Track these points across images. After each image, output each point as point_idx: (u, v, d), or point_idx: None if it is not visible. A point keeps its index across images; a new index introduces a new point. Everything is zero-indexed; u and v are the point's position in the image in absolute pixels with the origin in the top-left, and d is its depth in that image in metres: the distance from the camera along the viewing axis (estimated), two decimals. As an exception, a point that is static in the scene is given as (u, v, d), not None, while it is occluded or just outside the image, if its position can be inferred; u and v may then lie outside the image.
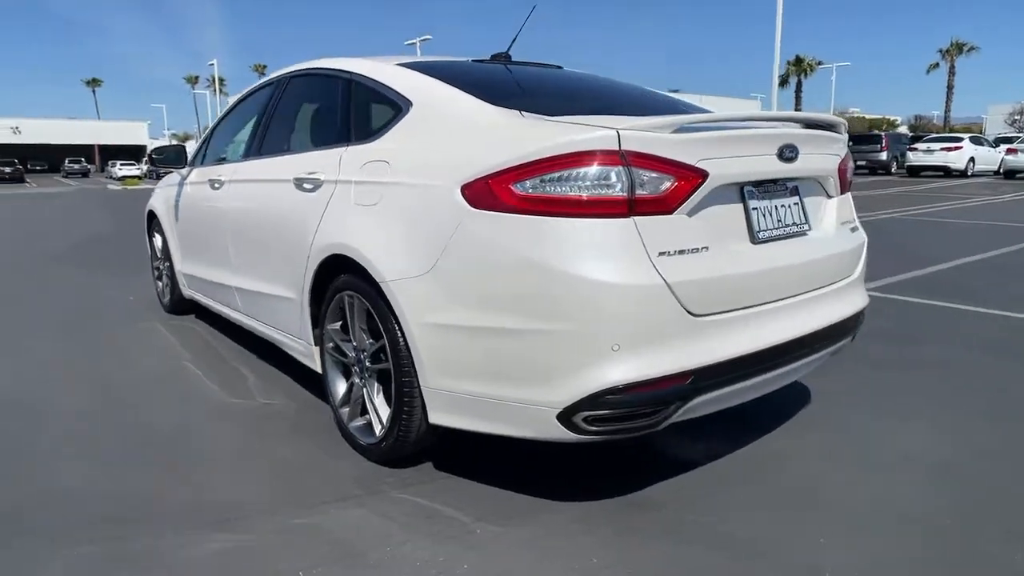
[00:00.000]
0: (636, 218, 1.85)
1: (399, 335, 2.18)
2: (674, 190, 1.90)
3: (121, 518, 2.15)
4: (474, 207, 1.97)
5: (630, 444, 2.56)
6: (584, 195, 1.82)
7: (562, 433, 1.91)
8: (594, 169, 1.82)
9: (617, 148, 1.83)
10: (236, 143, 3.79)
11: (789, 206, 2.28)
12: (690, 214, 1.96)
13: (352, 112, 2.71)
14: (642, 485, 2.30)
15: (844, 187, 2.55)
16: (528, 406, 1.93)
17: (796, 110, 57.95)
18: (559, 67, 3.26)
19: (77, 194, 26.90)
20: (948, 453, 2.51)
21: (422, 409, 2.19)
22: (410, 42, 33.93)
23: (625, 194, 1.83)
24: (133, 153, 56.62)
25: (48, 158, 55.95)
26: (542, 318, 1.86)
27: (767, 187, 2.20)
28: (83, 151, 55.93)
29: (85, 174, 50.23)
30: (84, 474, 2.47)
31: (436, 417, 2.15)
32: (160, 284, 4.95)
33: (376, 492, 2.30)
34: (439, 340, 2.07)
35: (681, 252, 1.91)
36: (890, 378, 3.34)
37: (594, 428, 1.89)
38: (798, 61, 57.26)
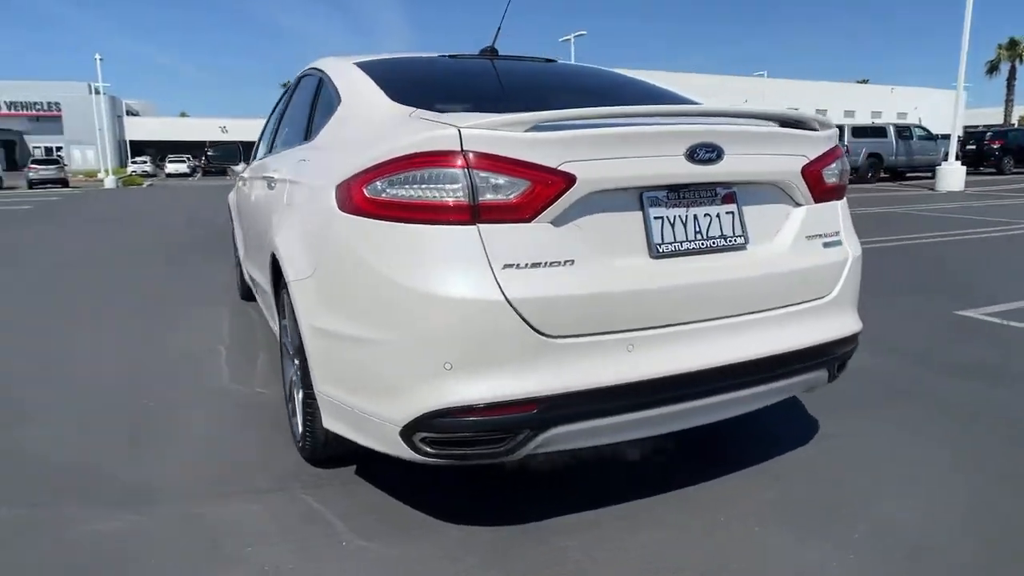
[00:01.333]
0: (481, 226, 1.68)
1: (298, 336, 2.17)
2: (530, 196, 1.70)
3: (53, 486, 2.35)
4: (340, 210, 1.90)
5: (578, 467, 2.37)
6: (425, 200, 1.69)
7: (408, 453, 1.80)
8: (435, 171, 1.68)
9: (459, 148, 1.67)
10: (264, 140, 4.01)
11: (717, 215, 1.96)
12: (557, 223, 1.74)
13: (314, 111, 2.74)
14: (558, 512, 2.11)
15: (822, 194, 2.14)
16: (380, 421, 1.83)
17: (1008, 102, 50.46)
18: (549, 60, 3.07)
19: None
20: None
21: (320, 413, 2.17)
22: (564, 38, 34.00)
23: (467, 199, 1.67)
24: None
25: (249, 153, 63.15)
26: (385, 329, 1.76)
27: (684, 193, 1.90)
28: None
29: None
30: (49, 439, 2.74)
31: (327, 423, 2.12)
32: (237, 272, 5.37)
33: (284, 489, 2.31)
34: (322, 344, 2.03)
35: (536, 265, 1.70)
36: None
37: (434, 451, 1.76)
38: (1012, 45, 49.63)
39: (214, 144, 4.79)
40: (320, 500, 2.24)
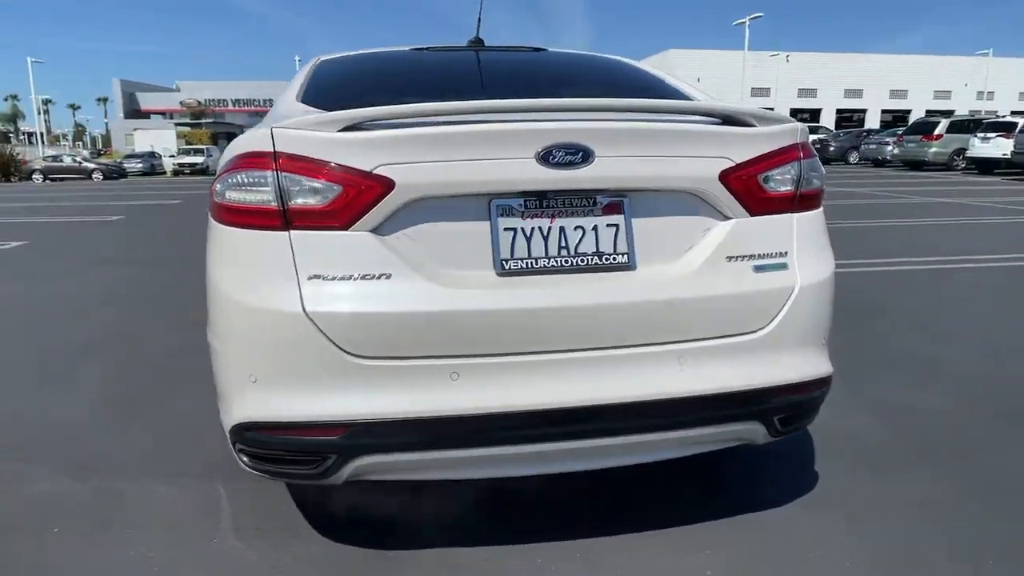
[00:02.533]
0: (293, 232, 1.57)
1: None
2: (344, 202, 1.55)
3: (27, 443, 2.62)
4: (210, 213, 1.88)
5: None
6: (243, 203, 1.60)
7: (243, 464, 1.74)
8: (251, 174, 1.59)
9: (271, 149, 1.57)
10: None
11: (594, 229, 1.66)
12: (381, 232, 1.58)
13: None
14: (442, 544, 1.96)
15: (760, 205, 1.75)
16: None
17: None
18: (537, 49, 2.81)
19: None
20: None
21: None
22: (738, 22, 31.89)
23: (276, 204, 1.56)
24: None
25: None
26: (217, 337, 1.71)
27: (549, 202, 1.64)
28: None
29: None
30: (58, 401, 3.04)
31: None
32: None
33: (206, 477, 2.37)
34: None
35: (346, 278, 1.55)
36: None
37: (252, 464, 1.68)
38: None
39: None
40: (228, 493, 2.26)
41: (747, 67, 40.72)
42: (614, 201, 1.67)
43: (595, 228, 1.66)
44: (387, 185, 1.54)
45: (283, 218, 1.56)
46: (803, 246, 1.80)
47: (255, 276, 1.59)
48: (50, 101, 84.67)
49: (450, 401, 1.56)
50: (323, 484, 1.69)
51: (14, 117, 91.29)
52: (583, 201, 1.65)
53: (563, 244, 1.64)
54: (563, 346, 1.61)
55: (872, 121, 51.33)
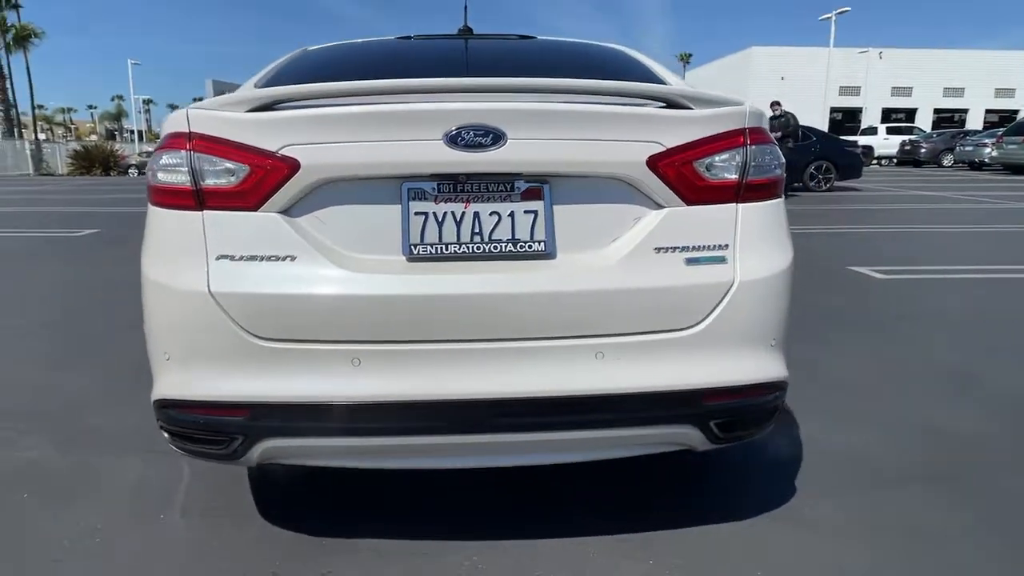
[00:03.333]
0: (207, 212, 1.57)
1: None
2: (252, 182, 1.54)
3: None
4: None
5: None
6: (164, 184, 1.62)
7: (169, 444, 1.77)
8: (169, 155, 1.60)
9: (186, 130, 1.58)
10: None
11: (511, 215, 1.59)
12: (291, 214, 1.56)
13: None
14: (392, 535, 1.94)
15: (698, 194, 1.63)
16: None
17: None
18: (525, 37, 2.73)
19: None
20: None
21: None
22: (824, 17, 30.43)
23: (190, 184, 1.57)
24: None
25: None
26: (145, 314, 1.73)
27: (463, 186, 1.58)
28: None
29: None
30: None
31: None
32: None
33: (180, 456, 2.43)
34: None
35: (253, 259, 1.55)
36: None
37: (171, 441, 1.70)
38: None
39: None
40: (192, 472, 2.31)
41: (835, 65, 38.88)
42: (533, 187, 1.59)
43: (511, 214, 1.59)
44: (293, 166, 1.53)
45: (197, 198, 1.57)
46: (748, 239, 1.66)
47: (169, 255, 1.61)
48: (151, 101, 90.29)
49: (350, 387, 1.53)
50: (237, 465, 1.69)
51: (118, 116, 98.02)
52: (500, 186, 1.59)
53: (477, 230, 1.58)
54: (472, 335, 1.55)
55: (975, 122, 47.91)
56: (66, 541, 1.91)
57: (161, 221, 1.63)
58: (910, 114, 48.69)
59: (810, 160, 15.48)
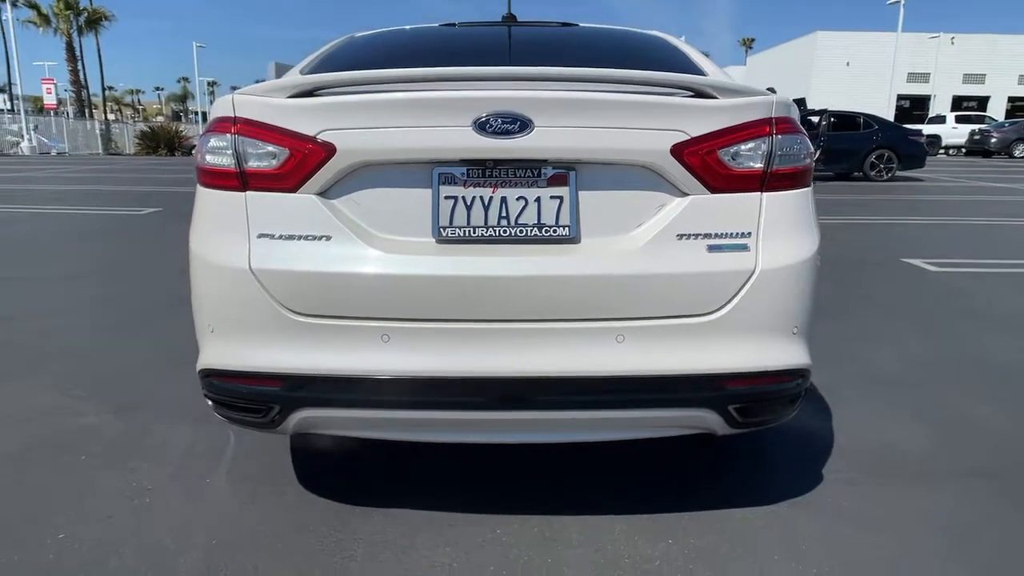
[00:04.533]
0: (249, 193, 1.66)
1: None
2: (291, 165, 1.62)
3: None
4: None
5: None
6: (211, 165, 1.72)
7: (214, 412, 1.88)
8: (217, 137, 1.69)
9: (231, 114, 1.67)
10: None
11: (537, 200, 1.63)
12: (329, 195, 1.64)
13: None
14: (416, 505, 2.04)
15: (723, 182, 1.64)
16: None
17: None
18: (566, 24, 2.75)
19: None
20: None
21: None
22: (892, 1, 29.12)
23: (235, 166, 1.66)
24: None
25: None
26: (191, 289, 1.84)
27: (492, 172, 1.62)
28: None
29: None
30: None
31: None
32: None
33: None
34: None
35: (291, 238, 1.64)
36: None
37: (216, 409, 1.81)
38: None
39: None
40: (238, 439, 2.45)
41: (904, 50, 37.25)
42: (559, 172, 1.63)
43: (538, 199, 1.63)
44: (330, 150, 1.60)
45: (240, 179, 1.66)
46: (772, 227, 1.66)
47: (215, 233, 1.70)
48: (215, 83, 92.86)
49: (379, 362, 1.61)
50: (275, 433, 1.79)
51: (184, 97, 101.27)
52: (527, 172, 1.63)
53: (504, 214, 1.63)
54: (498, 316, 1.61)
55: (1055, 110, 45.23)
56: (118, 500, 2.06)
57: (208, 201, 1.73)
58: (982, 102, 46.29)
59: (871, 149, 14.96)
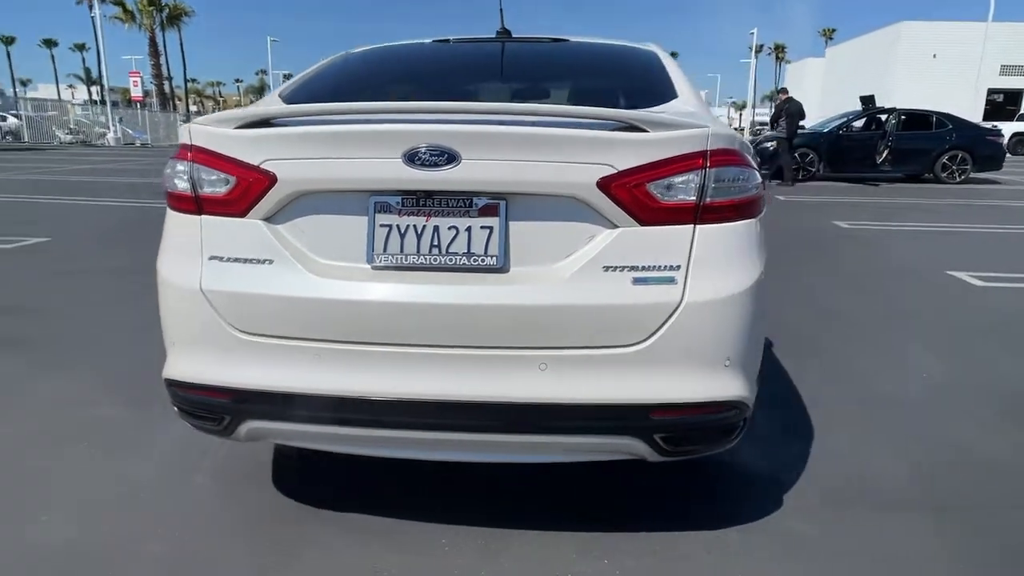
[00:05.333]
0: (204, 217, 1.78)
1: None
2: (239, 192, 1.73)
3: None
4: None
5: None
6: (171, 189, 1.84)
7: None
8: (177, 164, 1.82)
9: (189, 142, 1.79)
10: None
11: (468, 229, 1.68)
12: (274, 221, 1.74)
13: None
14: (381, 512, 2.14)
15: (653, 215, 1.65)
16: None
17: None
18: (557, 40, 2.77)
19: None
20: None
21: None
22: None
23: (191, 191, 1.78)
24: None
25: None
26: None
27: (427, 201, 1.69)
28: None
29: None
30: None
31: None
32: None
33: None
34: None
35: (237, 260, 1.74)
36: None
37: (183, 418, 1.94)
38: None
39: None
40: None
41: (997, 41, 34.96)
42: (490, 204, 1.67)
43: (468, 229, 1.68)
44: (272, 178, 1.70)
45: (196, 203, 1.78)
46: (704, 260, 1.66)
47: (175, 253, 1.83)
48: (289, 75, 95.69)
49: (312, 381, 1.70)
50: (231, 440, 1.90)
51: (261, 89, 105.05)
52: (459, 202, 1.68)
53: (436, 243, 1.69)
54: (425, 341, 1.67)
55: None
56: (105, 486, 2.24)
57: (171, 222, 1.86)
58: (1085, 96, 42.94)
59: (944, 150, 14.22)
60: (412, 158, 1.62)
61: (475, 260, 1.68)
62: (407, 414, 1.69)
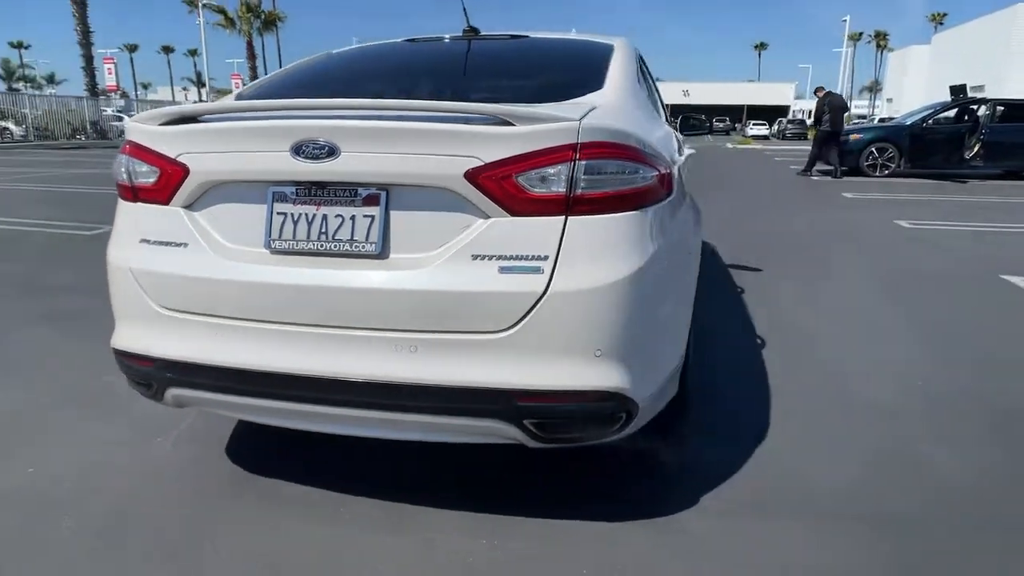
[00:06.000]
0: (139, 204, 1.99)
1: None
2: (162, 182, 1.92)
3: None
4: None
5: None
6: (117, 179, 2.05)
7: None
8: (122, 157, 2.02)
9: (127, 138, 1.99)
10: None
11: (352, 218, 1.79)
12: (193, 208, 1.92)
13: None
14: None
15: (523, 206, 1.71)
16: None
17: None
18: (516, 36, 2.83)
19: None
20: None
21: None
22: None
23: (128, 181, 1.99)
24: (778, 113, 59.66)
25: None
26: None
27: (317, 191, 1.81)
28: (733, 112, 62.26)
29: (728, 132, 56.06)
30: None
31: None
32: None
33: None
34: None
35: (160, 243, 1.94)
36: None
37: (128, 382, 2.16)
38: None
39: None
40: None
41: None
42: (373, 194, 1.78)
43: (353, 217, 1.79)
44: (186, 170, 1.88)
45: (132, 192, 1.99)
46: (573, 251, 1.70)
47: (117, 236, 2.05)
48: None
49: (215, 354, 1.87)
50: (164, 405, 2.09)
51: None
52: (346, 193, 1.80)
53: (324, 230, 1.81)
54: (313, 321, 1.80)
55: None
56: (89, 446, 2.52)
57: (118, 209, 2.08)
58: None
59: (1043, 144, 13.10)
60: (298, 151, 1.75)
61: (356, 247, 1.79)
62: (296, 388, 1.83)
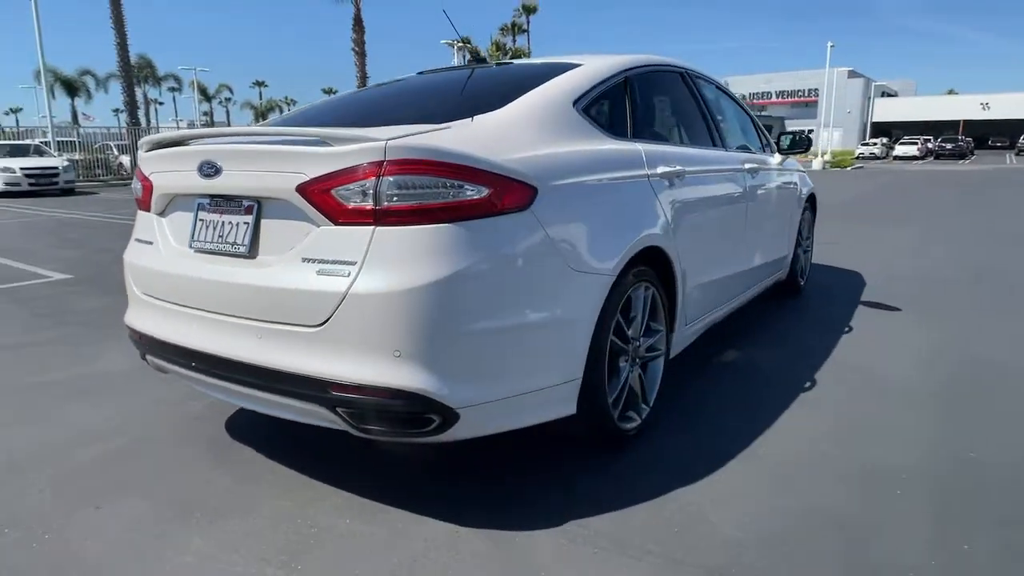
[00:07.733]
0: (139, 211, 2.62)
1: None
2: (145, 194, 2.50)
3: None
4: None
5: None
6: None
7: None
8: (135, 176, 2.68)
9: (137, 162, 2.63)
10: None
11: (237, 224, 2.17)
12: (163, 215, 2.47)
13: None
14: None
15: (343, 216, 1.94)
16: None
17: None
18: (503, 63, 3.00)
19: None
20: None
21: None
22: None
23: (135, 194, 2.62)
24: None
25: (1012, 133, 54.58)
26: None
27: (220, 203, 2.23)
28: (1051, 127, 51.48)
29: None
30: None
31: None
32: None
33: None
34: None
35: (140, 241, 2.53)
36: None
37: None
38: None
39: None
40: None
41: None
42: (249, 204, 2.15)
43: (236, 224, 2.18)
44: (151, 185, 2.44)
45: (139, 204, 2.62)
46: (378, 257, 1.88)
47: (130, 238, 2.70)
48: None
49: (158, 329, 2.38)
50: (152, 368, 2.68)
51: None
52: (235, 204, 2.19)
53: (220, 234, 2.23)
54: (205, 307, 2.22)
55: None
56: (88, 417, 3.24)
57: (138, 215, 2.74)
58: None
59: None
60: (200, 170, 2.20)
61: (235, 248, 2.18)
62: (206, 363, 2.25)
